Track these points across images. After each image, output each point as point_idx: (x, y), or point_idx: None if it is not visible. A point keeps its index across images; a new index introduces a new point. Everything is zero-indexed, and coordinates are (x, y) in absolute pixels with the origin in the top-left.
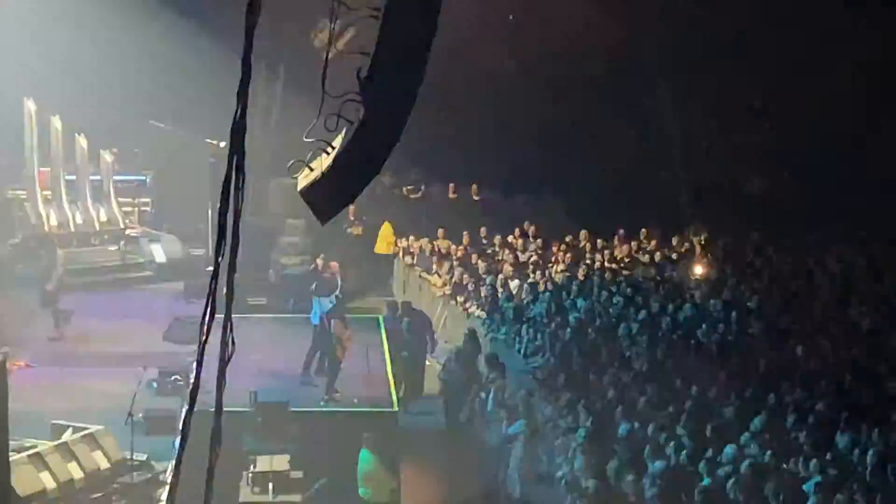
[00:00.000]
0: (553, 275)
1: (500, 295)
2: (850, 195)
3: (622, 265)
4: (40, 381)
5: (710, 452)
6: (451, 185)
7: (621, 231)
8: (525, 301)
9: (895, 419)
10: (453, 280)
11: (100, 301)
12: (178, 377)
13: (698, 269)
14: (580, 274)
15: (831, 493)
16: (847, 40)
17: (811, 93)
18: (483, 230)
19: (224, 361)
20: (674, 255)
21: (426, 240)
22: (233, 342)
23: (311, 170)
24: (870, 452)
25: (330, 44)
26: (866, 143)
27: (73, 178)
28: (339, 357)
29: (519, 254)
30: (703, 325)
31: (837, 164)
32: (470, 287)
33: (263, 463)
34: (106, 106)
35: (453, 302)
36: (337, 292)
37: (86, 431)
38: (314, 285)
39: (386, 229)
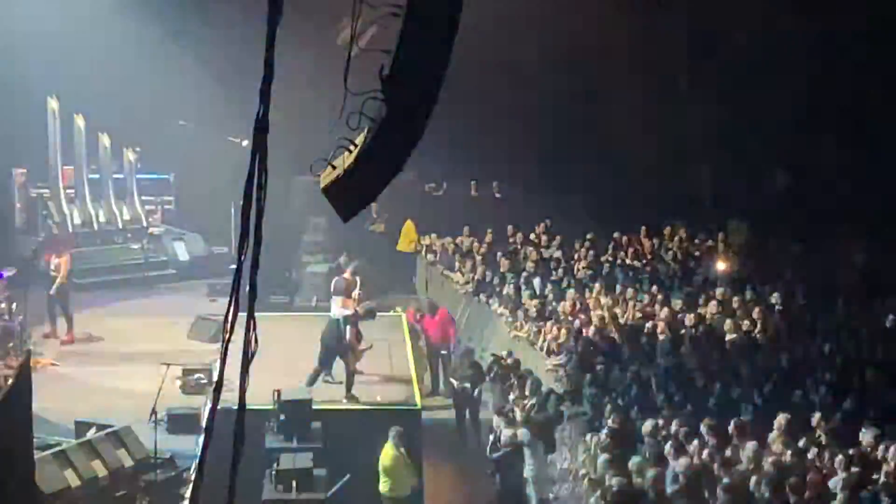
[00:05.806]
0: (576, 272)
1: (522, 292)
2: (876, 191)
3: (645, 262)
4: (64, 380)
5: (732, 450)
6: (473, 182)
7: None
8: (548, 299)
9: None
10: (475, 277)
11: (123, 299)
12: (201, 375)
13: (721, 266)
14: (603, 271)
15: (856, 490)
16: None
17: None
18: (510, 228)
19: (247, 359)
20: (696, 253)
21: (448, 238)
22: (256, 340)
23: (334, 168)
24: (893, 449)
25: (352, 42)
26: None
27: (97, 176)
28: (350, 366)
29: (542, 251)
30: (727, 322)
31: (865, 157)
32: (494, 283)
33: (286, 461)
34: (128, 104)
35: (475, 299)
36: (359, 306)
37: (110, 429)
38: (333, 283)
39: (408, 227)
